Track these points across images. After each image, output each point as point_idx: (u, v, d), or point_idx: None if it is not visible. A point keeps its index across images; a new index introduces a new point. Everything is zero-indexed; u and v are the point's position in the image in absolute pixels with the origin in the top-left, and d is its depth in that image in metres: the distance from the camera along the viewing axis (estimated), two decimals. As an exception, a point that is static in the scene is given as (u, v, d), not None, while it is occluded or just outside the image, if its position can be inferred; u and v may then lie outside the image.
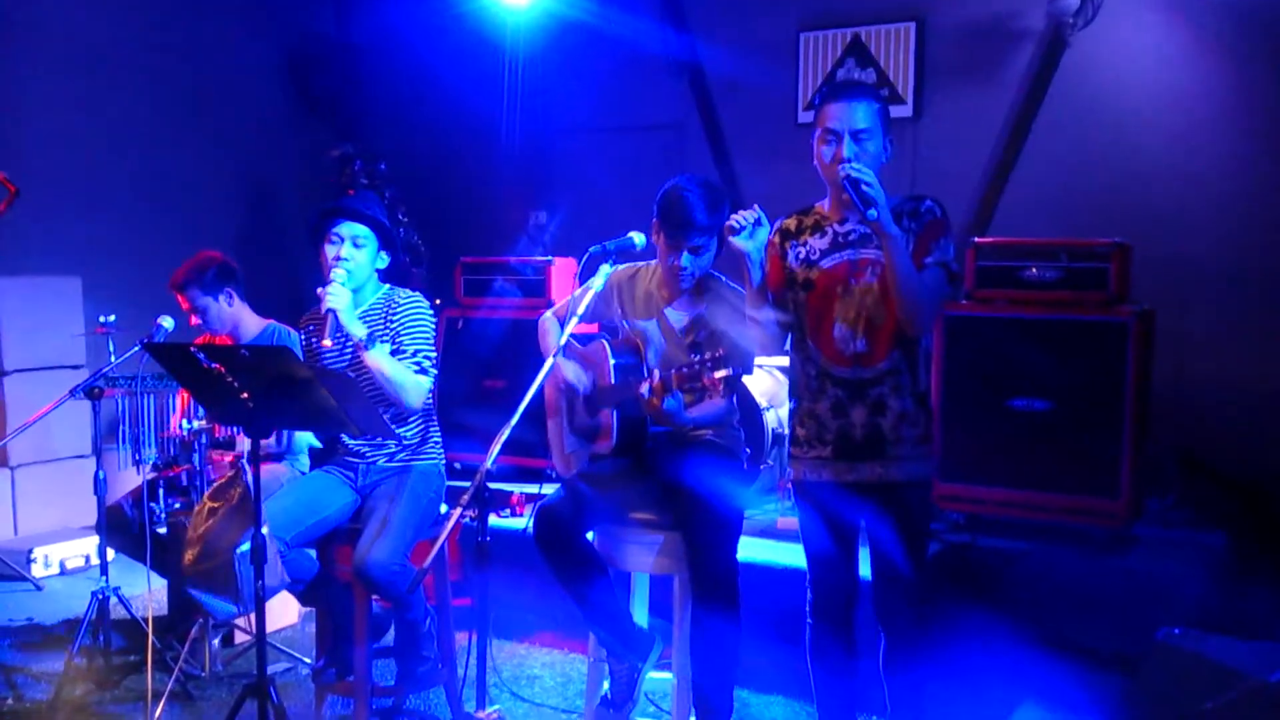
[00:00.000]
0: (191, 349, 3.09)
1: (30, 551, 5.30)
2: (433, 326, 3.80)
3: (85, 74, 6.12)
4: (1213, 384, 5.21)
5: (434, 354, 3.76)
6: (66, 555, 5.40)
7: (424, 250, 6.69)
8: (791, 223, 3.26)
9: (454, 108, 7.02)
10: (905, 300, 3.00)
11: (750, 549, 4.46)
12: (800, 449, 3.22)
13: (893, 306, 3.04)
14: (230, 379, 3.08)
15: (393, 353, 3.70)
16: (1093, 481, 4.61)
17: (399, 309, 3.77)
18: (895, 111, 5.98)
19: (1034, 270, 4.78)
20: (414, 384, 3.66)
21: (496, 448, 2.97)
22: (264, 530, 3.32)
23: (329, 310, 3.59)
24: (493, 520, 4.88)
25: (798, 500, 3.27)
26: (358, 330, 3.62)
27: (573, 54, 6.73)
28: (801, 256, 3.18)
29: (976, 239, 4.92)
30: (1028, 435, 4.71)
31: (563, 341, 3.23)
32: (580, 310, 3.29)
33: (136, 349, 3.82)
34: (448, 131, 7.10)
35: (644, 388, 3.18)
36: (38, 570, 5.28)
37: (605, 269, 3.34)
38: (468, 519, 3.10)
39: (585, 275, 3.37)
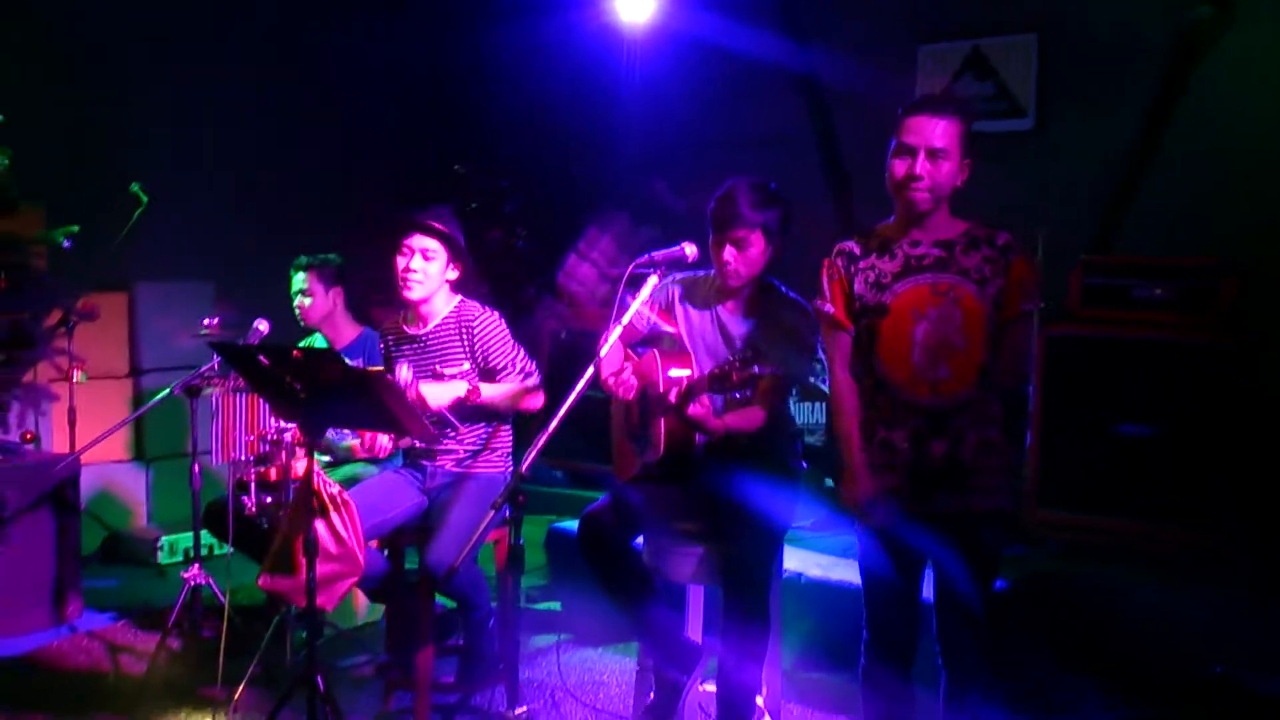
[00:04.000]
0: (254, 351, 3.25)
1: (158, 539, 5.65)
2: (508, 332, 3.94)
3: (218, 87, 6.50)
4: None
5: (524, 355, 3.92)
6: (190, 544, 5.70)
7: (540, 263, 6.82)
8: (855, 245, 3.13)
9: (574, 125, 7.16)
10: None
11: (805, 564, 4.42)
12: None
13: (975, 334, 2.95)
14: (290, 380, 3.23)
15: (489, 369, 3.85)
16: (1201, 513, 4.38)
17: (477, 330, 3.89)
18: (1016, 125, 5.89)
19: (1143, 290, 4.58)
20: (524, 391, 3.87)
21: (533, 454, 3.01)
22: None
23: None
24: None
25: (859, 527, 3.15)
26: (451, 394, 3.75)
27: (689, 70, 6.76)
28: (871, 280, 3.05)
29: (1084, 256, 4.74)
30: (1133, 461, 4.51)
31: (604, 350, 3.25)
32: (625, 319, 3.31)
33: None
34: (570, 147, 7.24)
35: (672, 393, 3.19)
36: (163, 557, 5.62)
37: (652, 280, 3.36)
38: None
39: (634, 287, 3.40)
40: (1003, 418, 3.03)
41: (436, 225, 3.86)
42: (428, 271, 3.85)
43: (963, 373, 2.96)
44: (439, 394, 3.77)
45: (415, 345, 3.96)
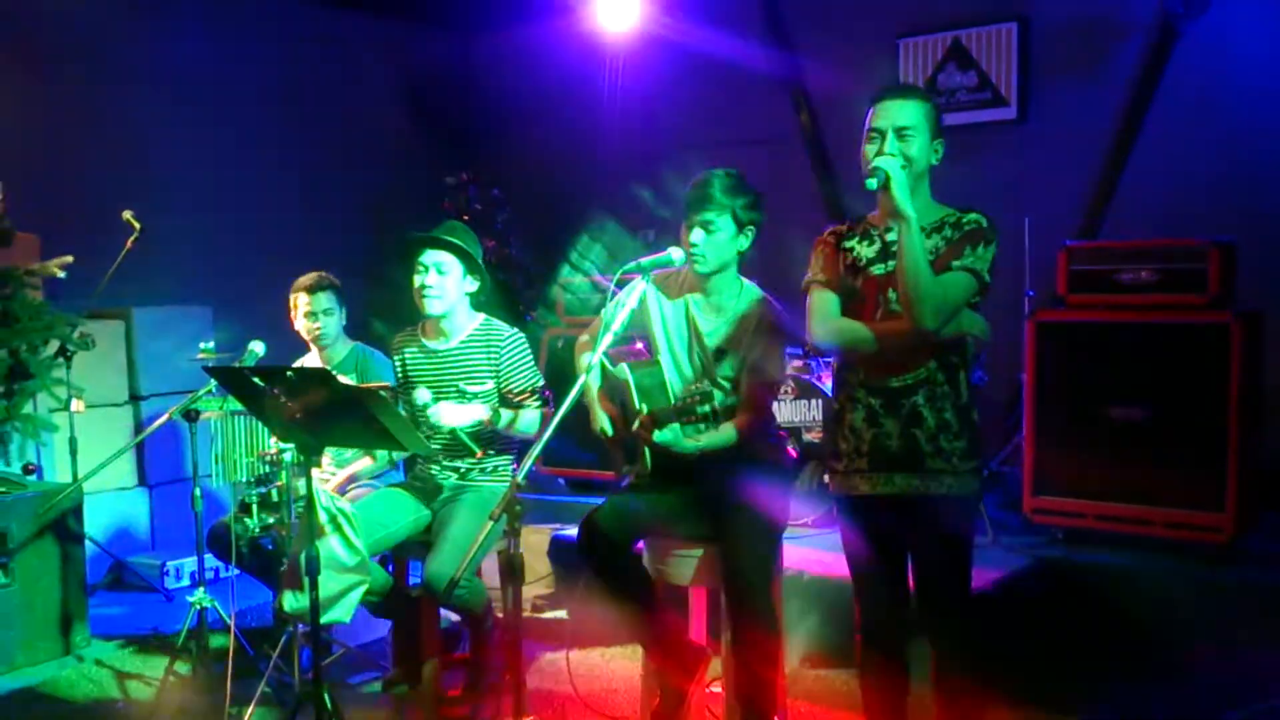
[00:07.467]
0: (245, 371, 3.27)
1: (164, 564, 5.67)
2: (532, 355, 4.02)
3: (210, 110, 6.58)
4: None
5: (541, 381, 4.00)
6: (196, 568, 5.73)
7: (534, 271, 6.86)
8: (843, 228, 3.21)
9: (565, 132, 7.21)
10: (906, 287, 2.91)
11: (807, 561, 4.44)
12: (839, 463, 3.16)
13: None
14: (283, 399, 3.25)
15: (507, 391, 3.92)
16: (1196, 493, 4.40)
17: (504, 349, 3.95)
18: (999, 115, 5.92)
19: (1129, 273, 4.60)
20: (538, 419, 3.90)
21: (528, 462, 3.03)
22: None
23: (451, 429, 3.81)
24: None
25: (840, 515, 3.22)
26: (472, 415, 3.82)
27: (677, 74, 6.81)
28: (849, 264, 3.13)
29: (1069, 243, 4.76)
30: (1126, 445, 4.53)
31: (594, 362, 3.26)
32: (616, 329, 3.32)
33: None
34: (559, 155, 7.28)
35: (636, 424, 3.23)
36: (169, 582, 5.64)
37: (640, 286, 3.38)
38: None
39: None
40: (967, 403, 3.05)
41: (446, 239, 3.90)
42: (444, 285, 3.90)
43: (914, 353, 3.01)
44: (459, 415, 3.80)
45: (437, 360, 3.99)
